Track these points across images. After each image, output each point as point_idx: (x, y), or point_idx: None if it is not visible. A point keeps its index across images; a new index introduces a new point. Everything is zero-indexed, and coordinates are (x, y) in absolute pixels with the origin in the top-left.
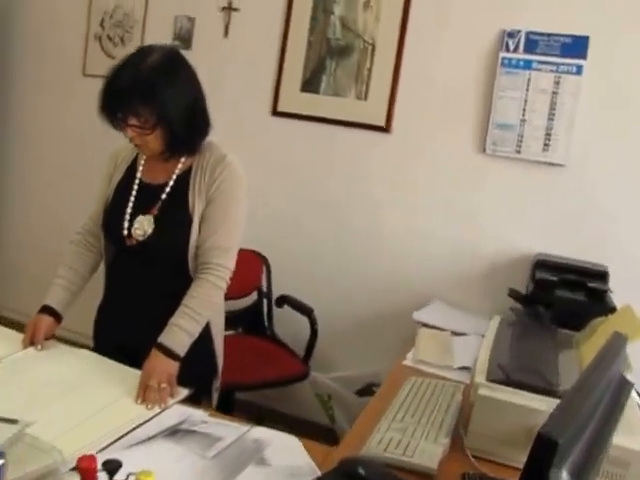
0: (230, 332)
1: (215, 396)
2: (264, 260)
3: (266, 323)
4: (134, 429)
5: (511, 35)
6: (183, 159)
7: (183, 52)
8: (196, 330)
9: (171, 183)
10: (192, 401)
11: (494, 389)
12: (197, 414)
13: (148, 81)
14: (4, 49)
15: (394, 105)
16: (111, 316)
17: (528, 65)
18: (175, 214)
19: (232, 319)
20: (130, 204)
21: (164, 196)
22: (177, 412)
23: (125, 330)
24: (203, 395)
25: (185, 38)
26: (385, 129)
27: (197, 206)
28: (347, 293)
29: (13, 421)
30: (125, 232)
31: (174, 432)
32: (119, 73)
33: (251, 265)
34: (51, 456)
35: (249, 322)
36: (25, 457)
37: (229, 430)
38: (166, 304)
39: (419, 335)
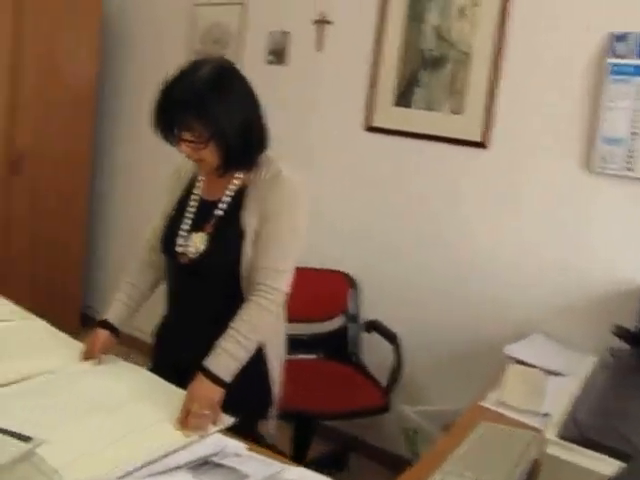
0: (311, 356)
1: (271, 424)
2: (352, 282)
3: (352, 349)
4: (165, 456)
5: (620, 38)
6: (239, 174)
7: (278, 67)
8: (243, 355)
9: (226, 199)
10: (244, 429)
11: (565, 448)
12: (233, 445)
13: (199, 95)
14: (113, 65)
15: (491, 119)
16: (168, 332)
17: None
18: (228, 231)
19: (313, 343)
20: (186, 220)
21: (218, 213)
22: (214, 441)
23: (179, 347)
24: (256, 423)
25: (279, 53)
26: (481, 145)
27: (250, 223)
28: (437, 319)
29: (26, 438)
30: (179, 249)
31: (202, 464)
32: (171, 87)
33: (337, 287)
34: None
35: (333, 346)
36: (26, 478)
37: (261, 467)
38: (219, 325)
39: (507, 373)
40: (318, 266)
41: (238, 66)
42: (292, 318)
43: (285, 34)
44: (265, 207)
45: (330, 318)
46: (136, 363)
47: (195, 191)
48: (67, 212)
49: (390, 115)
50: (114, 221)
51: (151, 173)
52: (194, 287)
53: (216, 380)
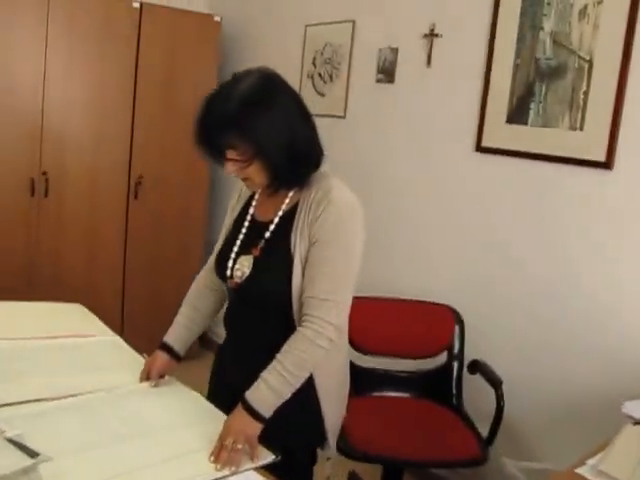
0: (404, 394)
1: (327, 466)
2: (457, 317)
3: (453, 390)
4: None
5: None
6: (291, 194)
7: (386, 86)
8: (285, 390)
9: (276, 220)
10: (293, 466)
11: None
12: None
13: (238, 111)
14: None
15: (617, 135)
16: (223, 355)
17: None
18: (275, 255)
19: (408, 380)
20: (238, 242)
21: (267, 235)
22: (244, 478)
23: (232, 373)
24: (307, 460)
25: (389, 71)
26: (605, 165)
27: (299, 248)
28: (549, 365)
29: (33, 454)
30: (229, 272)
31: None
32: (210, 103)
33: (441, 322)
34: None
35: (431, 386)
36: None
37: None
38: (271, 353)
39: (620, 435)
40: (419, 298)
41: (348, 85)
42: (386, 352)
43: (394, 50)
44: (313, 230)
45: (430, 355)
46: None
47: (250, 211)
48: (185, 232)
49: (502, 133)
50: None
51: None
52: (244, 312)
53: (254, 414)
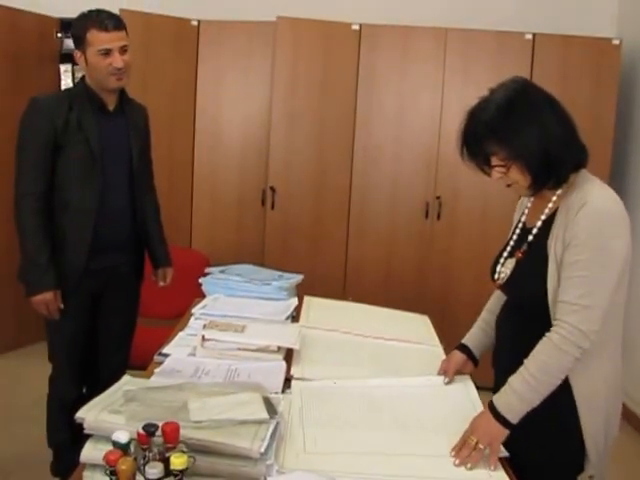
0: None
1: None
2: None
3: None
4: None
5: None
6: (554, 198)
7: None
8: (531, 395)
9: (538, 224)
10: None
11: None
12: None
13: (495, 118)
14: None
15: None
16: (495, 355)
17: None
18: (533, 258)
19: None
20: (508, 247)
21: (530, 238)
22: None
23: (498, 373)
24: None
25: None
26: None
27: (554, 249)
28: None
29: (273, 413)
30: (495, 275)
31: None
32: (470, 115)
33: None
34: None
35: None
36: (237, 436)
37: None
38: (526, 357)
39: None
40: None
41: None
42: None
43: None
44: (567, 233)
45: None
46: None
47: (522, 218)
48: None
49: None
50: None
51: None
52: (509, 315)
53: (500, 418)
